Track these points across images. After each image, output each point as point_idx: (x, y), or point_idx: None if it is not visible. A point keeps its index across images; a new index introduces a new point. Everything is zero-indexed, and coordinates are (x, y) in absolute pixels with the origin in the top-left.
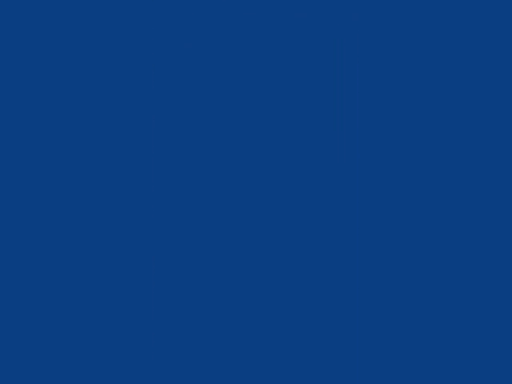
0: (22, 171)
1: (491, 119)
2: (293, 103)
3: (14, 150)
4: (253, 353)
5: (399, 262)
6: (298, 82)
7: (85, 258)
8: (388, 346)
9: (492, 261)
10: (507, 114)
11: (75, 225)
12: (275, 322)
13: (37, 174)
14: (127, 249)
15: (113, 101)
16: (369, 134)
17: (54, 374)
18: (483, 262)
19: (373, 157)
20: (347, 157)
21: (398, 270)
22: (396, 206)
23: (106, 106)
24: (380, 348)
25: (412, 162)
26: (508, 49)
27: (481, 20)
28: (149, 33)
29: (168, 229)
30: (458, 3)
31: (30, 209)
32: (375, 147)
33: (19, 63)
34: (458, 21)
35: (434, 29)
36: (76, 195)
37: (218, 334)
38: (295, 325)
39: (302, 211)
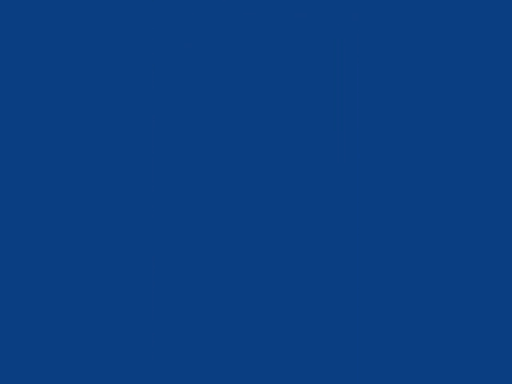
0: (22, 171)
1: (491, 119)
2: (293, 103)
3: (14, 150)
4: (253, 353)
5: (399, 262)
6: (298, 82)
7: (85, 258)
8: (388, 346)
9: (492, 261)
10: (507, 114)
11: (75, 225)
12: (275, 321)
13: (36, 173)
14: (127, 249)
15: (113, 101)
16: (369, 134)
17: (54, 374)
18: (483, 261)
19: (373, 157)
20: (347, 157)
21: (398, 270)
22: (396, 206)
23: (106, 106)
24: (380, 348)
25: (412, 161)
26: (508, 49)
27: (481, 20)
28: (149, 33)
29: (168, 229)
30: (458, 3)
31: (30, 209)
32: (375, 147)
33: (19, 63)
34: (457, 21)
35: (434, 29)
36: (76, 195)
37: (217, 334)
38: (295, 325)
39: (302, 211)
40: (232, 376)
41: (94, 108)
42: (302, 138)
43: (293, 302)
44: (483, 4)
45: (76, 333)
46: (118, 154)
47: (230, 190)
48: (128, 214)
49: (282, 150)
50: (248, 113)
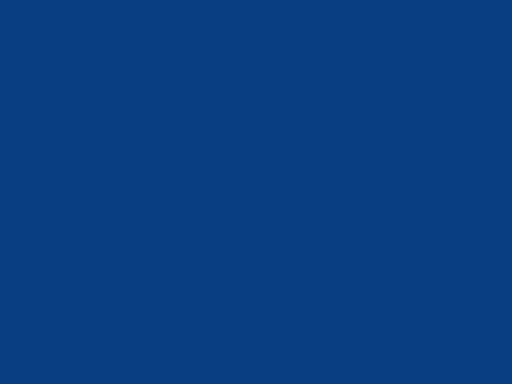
0: (21, 171)
1: (491, 119)
2: (293, 103)
3: (13, 151)
4: (253, 353)
5: (399, 261)
6: (298, 82)
7: (84, 258)
8: (388, 346)
9: (492, 261)
10: (507, 114)
11: (75, 225)
12: (275, 322)
13: (35, 173)
14: (127, 249)
15: (113, 101)
16: (369, 134)
17: (54, 374)
18: (483, 261)
19: (373, 157)
20: (347, 157)
21: (399, 270)
22: (396, 206)
23: (106, 106)
24: (380, 348)
25: (412, 161)
26: (508, 49)
27: (481, 20)
28: (149, 32)
29: (168, 229)
30: (457, 3)
31: (29, 208)
32: (375, 147)
33: (18, 63)
34: (458, 21)
35: (434, 29)
36: (76, 195)
37: (217, 334)
38: (295, 325)
39: (302, 212)
40: (232, 376)
41: (94, 108)
42: (302, 138)
43: (293, 302)
44: (483, 4)
45: (76, 332)
46: (118, 154)
47: (230, 190)
48: (128, 214)
49: (282, 150)
50: (248, 113)
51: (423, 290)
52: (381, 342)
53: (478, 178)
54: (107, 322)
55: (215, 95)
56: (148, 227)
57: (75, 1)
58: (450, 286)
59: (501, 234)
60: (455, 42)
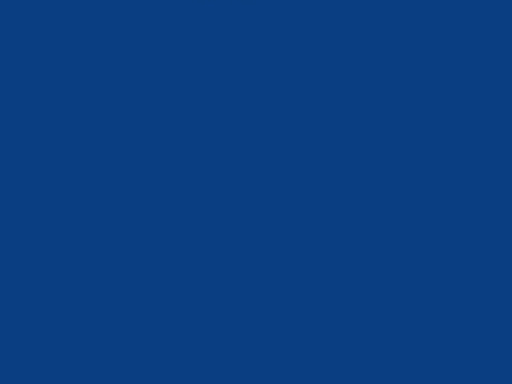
0: (20, 171)
1: (491, 119)
2: (293, 103)
3: (12, 151)
4: (253, 353)
5: (399, 261)
6: (298, 82)
7: (85, 258)
8: (388, 346)
9: (492, 261)
10: (507, 114)
11: (74, 225)
12: (275, 322)
13: (34, 173)
14: (127, 249)
15: (113, 101)
16: (368, 133)
17: (54, 374)
18: (483, 261)
19: (373, 157)
20: (347, 157)
21: (398, 270)
22: (396, 206)
23: (106, 107)
24: (380, 348)
25: (412, 161)
26: (508, 49)
27: (480, 20)
28: (150, 32)
29: (167, 229)
30: (457, 4)
31: (28, 208)
32: (375, 147)
33: (17, 64)
34: (457, 21)
35: (434, 29)
36: (76, 195)
37: (217, 334)
38: (295, 324)
39: (302, 212)
40: (232, 376)
41: (94, 108)
42: (302, 138)
43: (293, 302)
44: (483, 4)
45: (75, 332)
46: (118, 154)
47: (230, 190)
48: (128, 214)
49: (282, 150)
50: (248, 114)
51: (423, 290)
52: (381, 342)
53: (478, 178)
54: (107, 321)
55: (215, 95)
56: (148, 227)
57: (75, 1)
58: (450, 286)
59: (501, 235)
60: (455, 42)
